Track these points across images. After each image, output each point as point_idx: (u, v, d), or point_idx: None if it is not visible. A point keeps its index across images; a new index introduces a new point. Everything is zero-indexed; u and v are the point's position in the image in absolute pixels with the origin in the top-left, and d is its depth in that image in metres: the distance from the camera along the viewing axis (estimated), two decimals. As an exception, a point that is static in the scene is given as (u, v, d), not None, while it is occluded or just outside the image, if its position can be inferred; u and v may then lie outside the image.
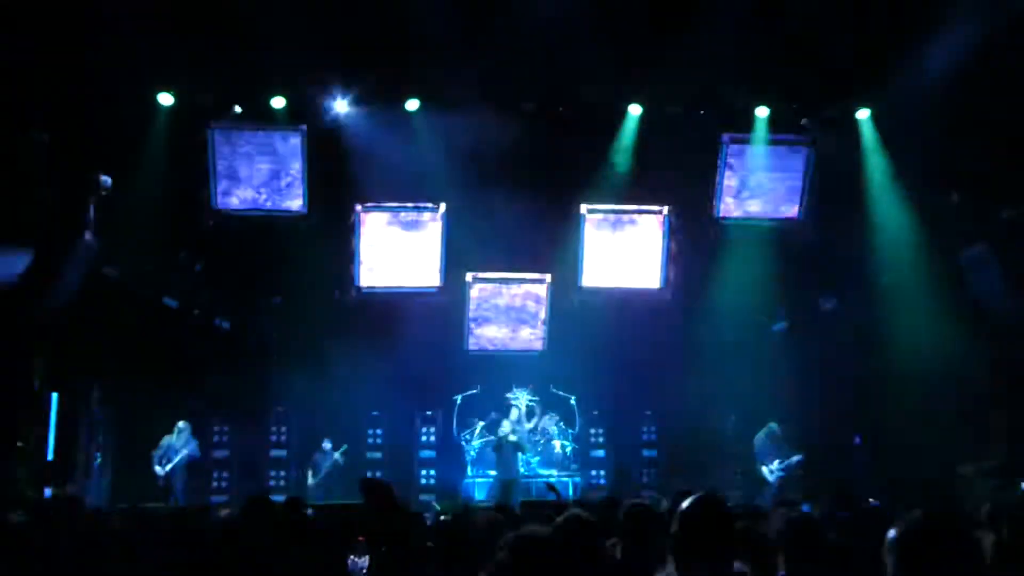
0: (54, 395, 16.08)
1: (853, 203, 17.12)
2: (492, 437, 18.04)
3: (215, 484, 17.99)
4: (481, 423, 18.43)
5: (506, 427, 17.24)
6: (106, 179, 15.96)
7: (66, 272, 15.49)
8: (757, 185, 17.65)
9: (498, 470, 17.17)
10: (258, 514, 5.49)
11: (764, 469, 16.59)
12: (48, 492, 14.82)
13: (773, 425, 16.87)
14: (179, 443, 16.58)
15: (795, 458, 16.38)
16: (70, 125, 15.38)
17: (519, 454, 17.50)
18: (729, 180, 17.59)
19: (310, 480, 17.23)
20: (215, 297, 18.25)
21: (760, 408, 18.39)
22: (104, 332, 16.25)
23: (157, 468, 16.38)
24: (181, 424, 16.73)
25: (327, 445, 17.47)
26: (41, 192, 15.19)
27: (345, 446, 17.50)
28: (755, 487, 16.75)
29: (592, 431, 19.11)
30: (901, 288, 16.73)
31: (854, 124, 17.10)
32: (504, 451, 16.98)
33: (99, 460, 16.77)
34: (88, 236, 15.93)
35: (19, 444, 15.11)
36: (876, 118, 16.92)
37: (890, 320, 16.67)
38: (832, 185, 17.42)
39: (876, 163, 16.93)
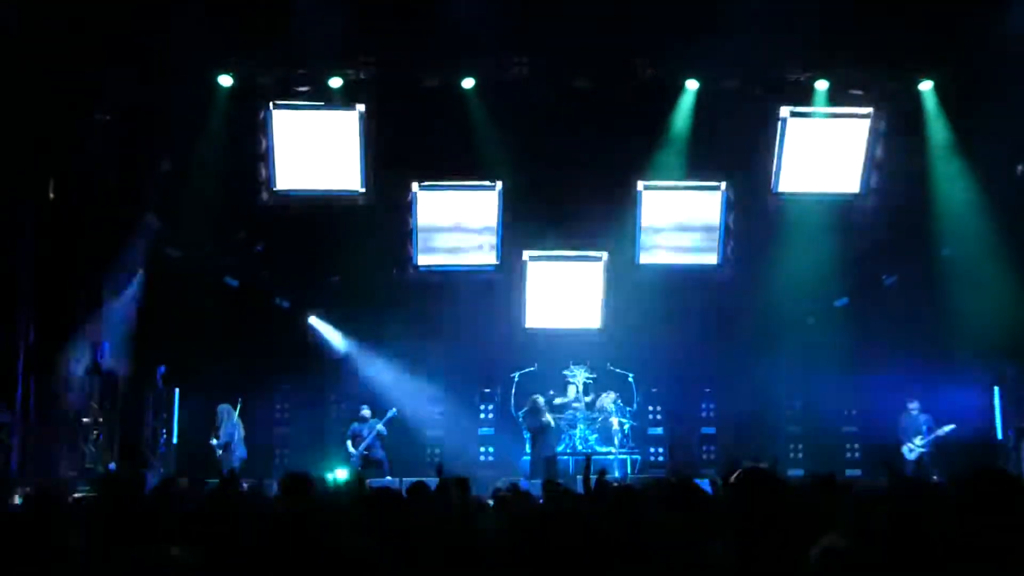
0: (120, 374, 16.45)
1: (915, 176, 16.84)
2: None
3: (276, 461, 18.23)
4: (540, 400, 18.42)
5: (541, 404, 17.23)
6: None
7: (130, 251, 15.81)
8: (817, 159, 17.42)
9: (541, 449, 17.11)
10: (298, 490, 5.57)
11: (904, 449, 16.48)
12: (112, 467, 15.15)
13: (909, 404, 16.64)
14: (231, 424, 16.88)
15: (945, 428, 16.21)
16: (132, 107, 15.65)
17: (573, 431, 17.58)
18: (788, 154, 17.38)
19: (351, 450, 16.83)
20: (275, 276, 18.43)
21: (821, 385, 18.29)
22: (167, 311, 16.52)
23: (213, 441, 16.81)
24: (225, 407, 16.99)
25: (366, 412, 17.06)
26: (104, 173, 15.50)
27: (393, 411, 17.07)
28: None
29: (650, 408, 19.02)
30: (964, 261, 16.46)
31: (917, 96, 16.81)
32: (545, 434, 17.04)
33: (164, 438, 17.09)
34: (151, 216, 16.21)
35: (84, 420, 15.46)
36: (939, 89, 16.60)
37: (953, 294, 16.41)
38: (894, 158, 17.14)
39: (939, 135, 16.62)
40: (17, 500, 11.03)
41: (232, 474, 10.58)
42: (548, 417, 17.26)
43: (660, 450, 19.06)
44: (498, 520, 6.72)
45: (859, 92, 16.95)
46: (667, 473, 16.66)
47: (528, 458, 17.85)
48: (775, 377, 18.31)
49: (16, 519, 4.29)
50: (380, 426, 16.81)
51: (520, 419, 17.94)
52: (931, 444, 16.28)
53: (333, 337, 18.58)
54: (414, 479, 9.85)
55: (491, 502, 9.14)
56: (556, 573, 4.31)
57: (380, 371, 18.19)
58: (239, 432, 16.96)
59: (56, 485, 12.92)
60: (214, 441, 16.76)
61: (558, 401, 18.17)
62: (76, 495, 11.66)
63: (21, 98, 14.19)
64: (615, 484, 8.96)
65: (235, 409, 17.05)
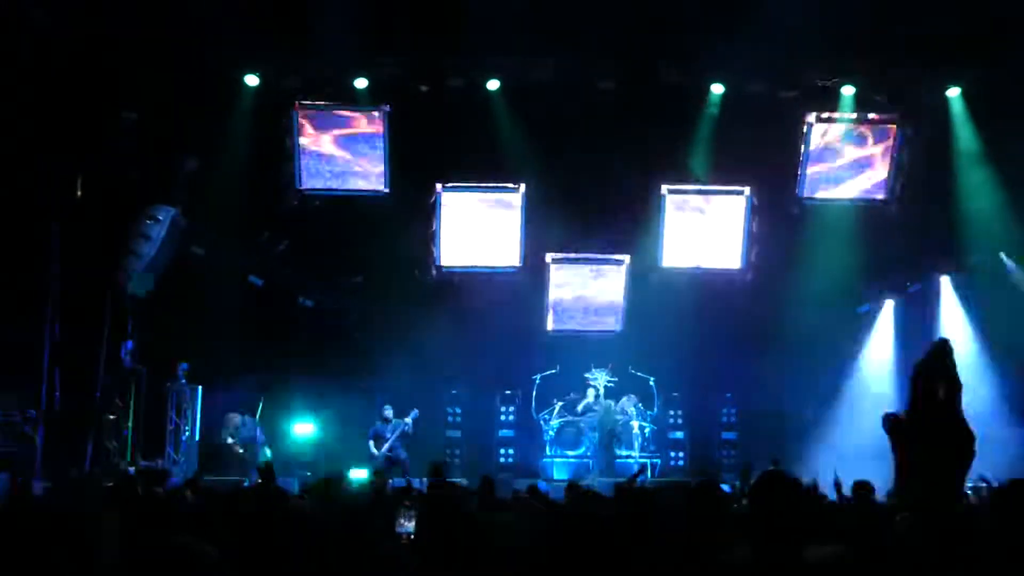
0: (143, 371, 16.56)
1: (942, 183, 16.75)
2: (571, 417, 18.09)
3: (297, 460, 18.26)
4: (560, 403, 18.43)
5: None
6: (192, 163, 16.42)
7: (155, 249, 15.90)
8: (842, 164, 17.36)
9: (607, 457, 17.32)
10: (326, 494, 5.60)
11: None
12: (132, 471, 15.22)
13: None
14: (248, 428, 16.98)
15: None
16: (160, 106, 15.76)
17: (593, 434, 17.69)
18: (813, 159, 17.33)
19: (374, 451, 16.73)
20: (299, 276, 18.50)
21: (843, 392, 18.18)
22: (191, 309, 16.61)
23: (229, 439, 16.89)
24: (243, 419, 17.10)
25: (388, 412, 16.96)
26: (131, 170, 15.62)
27: (415, 411, 17.00)
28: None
29: (671, 412, 18.96)
30: (990, 269, 16.35)
31: (944, 102, 16.72)
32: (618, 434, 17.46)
33: (187, 434, 17.16)
34: (176, 215, 16.29)
35: (110, 417, 15.58)
36: (967, 96, 16.51)
37: (978, 302, 16.31)
38: (920, 164, 17.06)
39: (966, 142, 16.52)
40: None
41: (269, 469, 10.57)
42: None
43: (680, 454, 18.97)
44: (518, 521, 6.73)
45: (886, 98, 16.88)
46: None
47: (547, 460, 17.91)
48: (797, 382, 18.20)
49: (46, 509, 4.33)
50: (408, 420, 16.78)
51: (587, 419, 18.01)
52: None
53: None
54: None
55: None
56: (576, 573, 4.34)
57: (400, 371, 18.23)
58: (259, 434, 17.05)
59: (88, 478, 13.03)
60: (229, 440, 16.82)
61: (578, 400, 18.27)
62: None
63: (49, 96, 14.31)
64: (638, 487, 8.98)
65: (256, 410, 17.12)
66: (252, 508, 4.89)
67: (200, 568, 2.87)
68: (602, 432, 17.63)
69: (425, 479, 12.69)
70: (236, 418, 17.10)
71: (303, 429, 17.76)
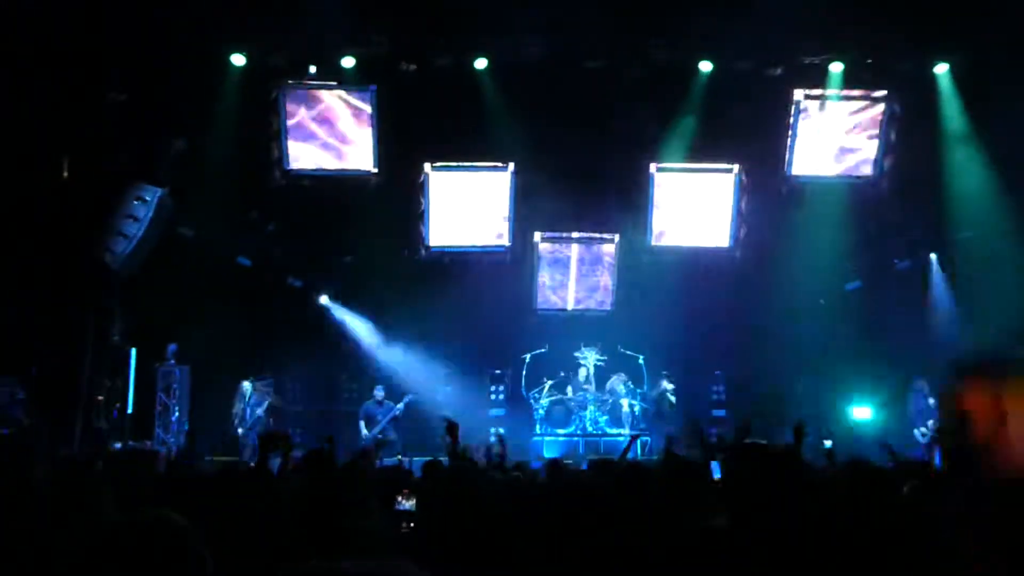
0: (132, 351, 16.55)
1: (930, 159, 16.77)
2: (560, 396, 18.10)
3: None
4: (550, 382, 18.44)
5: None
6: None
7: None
8: (830, 141, 17.36)
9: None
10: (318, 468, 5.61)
11: (916, 432, 16.00)
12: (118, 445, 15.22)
13: (917, 382, 16.26)
14: (252, 403, 16.88)
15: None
16: (146, 86, 15.69)
17: (583, 412, 17.70)
18: (802, 137, 17.34)
19: (364, 432, 16.74)
20: (288, 256, 18.48)
21: (832, 369, 18.23)
22: (180, 290, 16.58)
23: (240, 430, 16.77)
24: (246, 385, 17.00)
25: (380, 394, 17.01)
26: (117, 152, 15.55)
27: (409, 396, 17.10)
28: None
29: (661, 390, 19.00)
30: (979, 245, 16.38)
31: (932, 79, 16.74)
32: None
33: (176, 415, 17.16)
34: (164, 195, 16.23)
35: (99, 398, 15.56)
36: (955, 72, 16.53)
37: (968, 278, 16.34)
38: (909, 141, 17.08)
39: (954, 118, 16.55)
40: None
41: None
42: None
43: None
44: (507, 496, 6.75)
45: (874, 75, 16.88)
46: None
47: (537, 439, 17.91)
48: (786, 360, 18.24)
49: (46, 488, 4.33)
50: (400, 405, 16.83)
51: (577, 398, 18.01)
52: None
53: (352, 322, 18.67)
54: (425, 458, 9.91)
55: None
56: (559, 546, 4.36)
57: (392, 351, 18.25)
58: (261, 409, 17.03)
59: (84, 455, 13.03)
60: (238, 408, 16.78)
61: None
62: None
63: (34, 77, 14.23)
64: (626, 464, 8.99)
65: (251, 387, 17.11)
66: (233, 484, 4.90)
67: (172, 541, 2.86)
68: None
69: (415, 458, 12.73)
70: (246, 387, 17.00)
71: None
